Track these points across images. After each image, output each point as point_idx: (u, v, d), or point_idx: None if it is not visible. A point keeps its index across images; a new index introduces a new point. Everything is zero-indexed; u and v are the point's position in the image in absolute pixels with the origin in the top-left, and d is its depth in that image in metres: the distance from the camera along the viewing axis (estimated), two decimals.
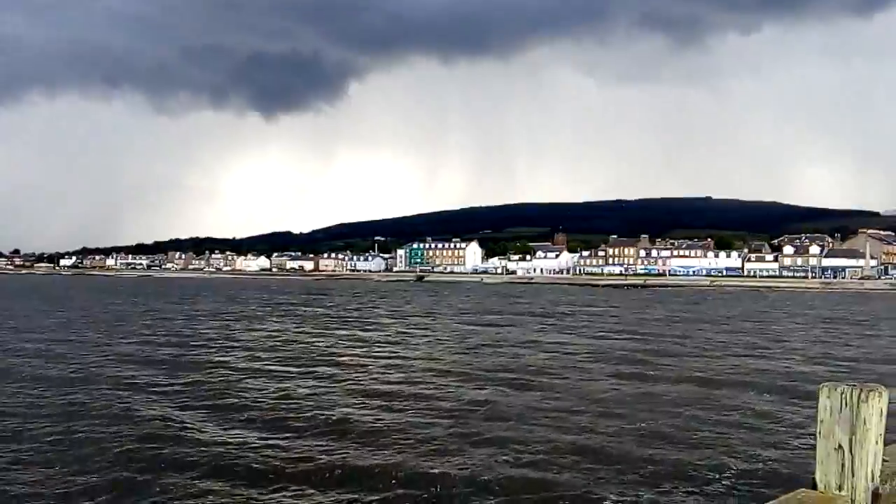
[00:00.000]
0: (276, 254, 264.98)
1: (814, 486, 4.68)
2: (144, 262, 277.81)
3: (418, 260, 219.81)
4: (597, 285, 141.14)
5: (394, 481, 11.28)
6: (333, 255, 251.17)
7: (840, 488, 4.53)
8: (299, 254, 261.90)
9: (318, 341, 32.00)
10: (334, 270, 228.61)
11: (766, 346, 31.56)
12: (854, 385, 4.60)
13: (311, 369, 23.02)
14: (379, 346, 30.18)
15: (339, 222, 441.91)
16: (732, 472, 11.77)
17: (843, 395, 4.59)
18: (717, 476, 11.56)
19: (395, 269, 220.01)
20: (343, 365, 24.21)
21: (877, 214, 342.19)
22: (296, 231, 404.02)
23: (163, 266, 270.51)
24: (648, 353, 27.60)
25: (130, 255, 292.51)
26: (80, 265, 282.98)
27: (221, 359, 25.62)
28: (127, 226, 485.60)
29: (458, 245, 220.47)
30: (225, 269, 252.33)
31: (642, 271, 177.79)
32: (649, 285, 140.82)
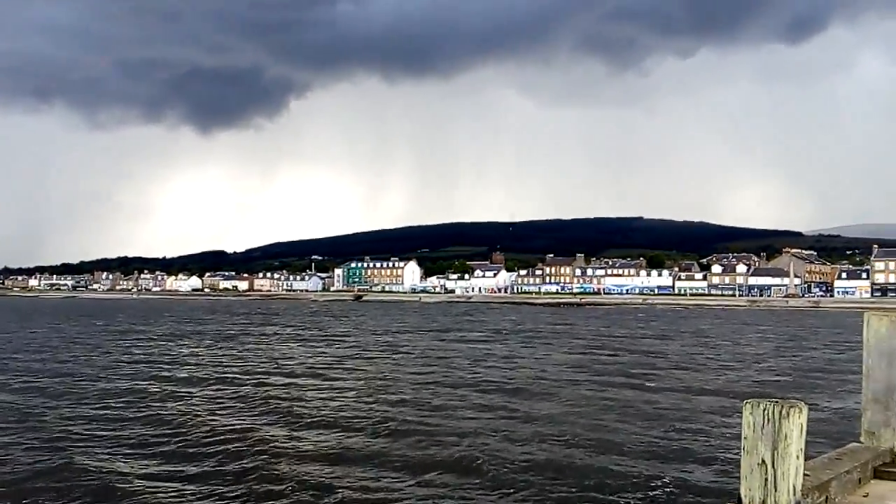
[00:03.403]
0: (208, 274, 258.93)
1: (739, 502, 4.82)
2: (69, 283, 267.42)
3: (356, 279, 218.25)
4: (534, 304, 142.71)
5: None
6: (269, 274, 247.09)
7: (764, 502, 4.67)
8: (233, 273, 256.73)
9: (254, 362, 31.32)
10: (269, 290, 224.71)
11: (721, 359, 32.69)
12: (776, 401, 4.76)
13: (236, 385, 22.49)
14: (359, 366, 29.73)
15: (275, 241, 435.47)
16: (671, 483, 11.95)
17: (766, 412, 4.73)
18: (655, 487, 11.72)
19: (332, 288, 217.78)
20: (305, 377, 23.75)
21: (800, 234, 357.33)
22: (230, 250, 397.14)
23: (89, 287, 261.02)
24: (609, 368, 28.02)
25: (55, 276, 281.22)
26: (0, 286, 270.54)
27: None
28: (52, 244, 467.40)
29: (396, 264, 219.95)
30: (155, 289, 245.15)
31: (578, 290, 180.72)
32: (585, 303, 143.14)
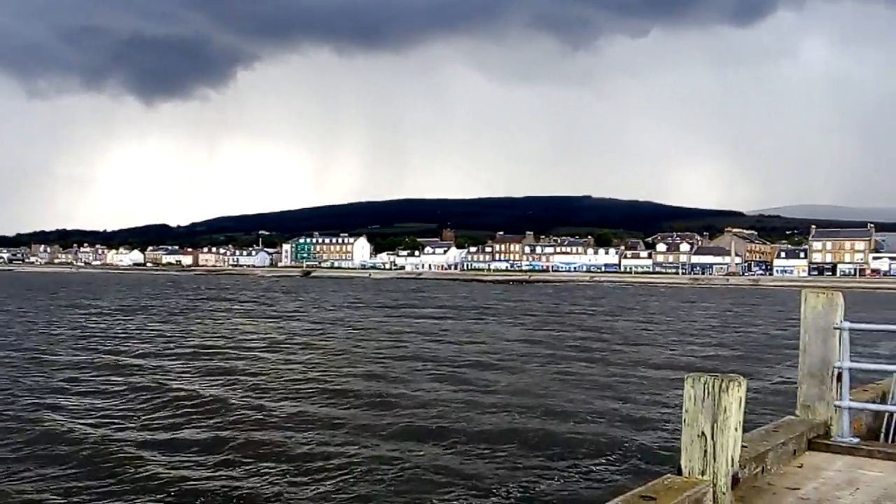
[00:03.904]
0: (151, 248, 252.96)
1: (679, 472, 4.93)
2: (5, 256, 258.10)
3: (305, 255, 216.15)
4: (484, 280, 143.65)
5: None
6: (214, 249, 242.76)
7: (703, 473, 4.77)
8: (177, 248, 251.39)
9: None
10: (215, 265, 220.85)
11: (667, 335, 33.34)
12: (716, 375, 4.86)
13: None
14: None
15: (221, 215, 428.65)
16: (617, 455, 12.18)
17: (706, 385, 4.83)
18: (600, 459, 11.95)
19: (280, 264, 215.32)
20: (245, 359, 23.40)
21: (742, 214, 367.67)
22: (174, 224, 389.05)
23: (25, 260, 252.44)
24: (560, 344, 28.37)
25: None
26: None
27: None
28: None
29: (346, 240, 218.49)
30: (95, 263, 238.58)
31: (527, 267, 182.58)
32: (534, 281, 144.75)
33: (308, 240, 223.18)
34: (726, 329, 39.31)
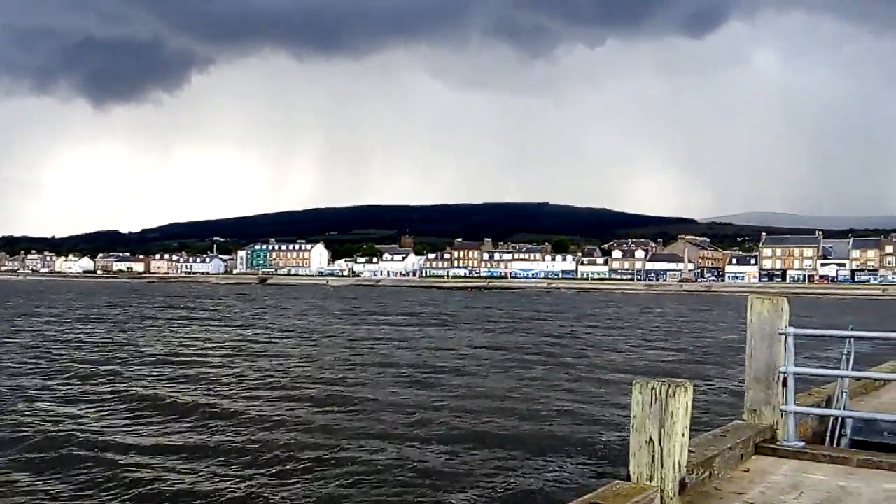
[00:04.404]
0: (101, 254, 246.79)
1: (628, 478, 4.93)
2: None
3: (261, 262, 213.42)
4: (442, 287, 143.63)
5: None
6: (167, 256, 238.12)
7: (651, 479, 4.77)
8: (128, 255, 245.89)
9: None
10: (167, 273, 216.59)
11: (623, 340, 33.75)
12: (663, 381, 4.87)
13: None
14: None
15: (173, 221, 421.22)
16: (570, 461, 12.21)
17: (654, 391, 4.83)
18: (550, 464, 11.97)
19: (235, 271, 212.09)
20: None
21: (695, 221, 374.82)
22: (125, 230, 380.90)
23: None
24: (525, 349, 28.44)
25: None
26: None
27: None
28: None
29: (303, 247, 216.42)
30: (43, 270, 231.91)
31: (486, 274, 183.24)
32: (492, 287, 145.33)
33: (264, 246, 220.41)
34: (681, 334, 39.94)
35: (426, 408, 16.51)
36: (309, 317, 52.32)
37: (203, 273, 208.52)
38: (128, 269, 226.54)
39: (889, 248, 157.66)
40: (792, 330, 6.44)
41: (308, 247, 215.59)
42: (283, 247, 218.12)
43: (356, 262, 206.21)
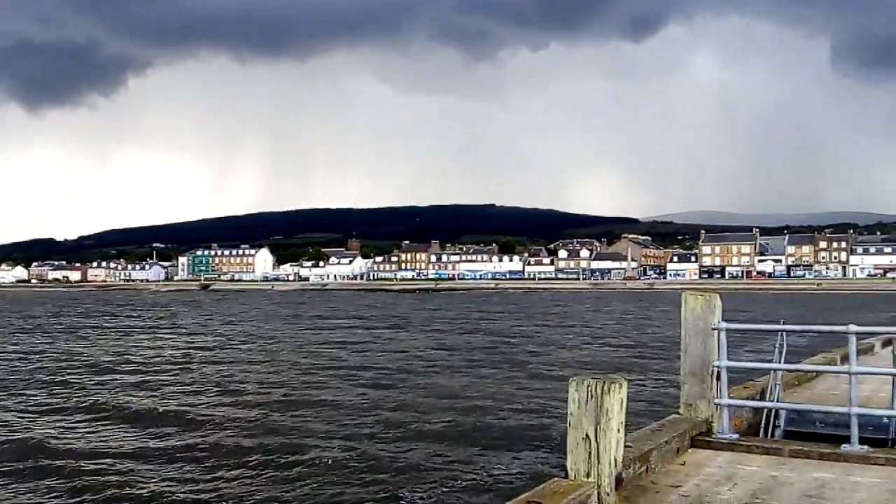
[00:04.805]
0: (36, 263, 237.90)
1: (566, 475, 4.94)
2: None
3: (203, 268, 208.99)
4: (390, 290, 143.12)
5: None
6: (104, 263, 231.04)
7: (588, 475, 4.79)
8: (64, 263, 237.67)
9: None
10: (105, 281, 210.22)
11: (570, 338, 34.28)
12: (598, 378, 4.91)
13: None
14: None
15: (111, 228, 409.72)
16: (515, 458, 12.25)
17: (590, 388, 4.86)
18: (494, 463, 11.99)
19: (176, 277, 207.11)
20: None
21: (637, 221, 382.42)
22: (60, 238, 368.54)
23: None
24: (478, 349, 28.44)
25: None
26: None
27: None
28: None
29: (247, 252, 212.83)
30: None
31: (434, 276, 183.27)
32: (440, 289, 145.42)
33: (206, 252, 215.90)
34: (626, 330, 40.62)
35: (377, 408, 16.59)
36: (256, 322, 51.48)
37: (143, 280, 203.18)
38: (64, 277, 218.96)
39: (823, 244, 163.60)
40: (724, 325, 6.58)
41: (252, 251, 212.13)
42: (226, 252, 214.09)
43: (302, 267, 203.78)
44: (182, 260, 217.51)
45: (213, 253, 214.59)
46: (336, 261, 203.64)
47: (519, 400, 17.47)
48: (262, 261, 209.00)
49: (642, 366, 23.78)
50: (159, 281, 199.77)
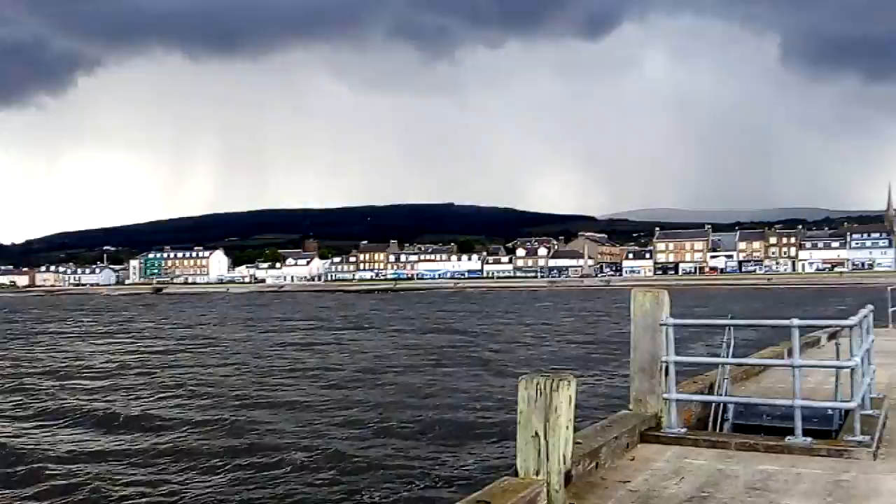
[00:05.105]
0: None
1: (516, 473, 4.94)
2: None
3: (156, 271, 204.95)
4: (348, 291, 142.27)
5: None
6: (53, 267, 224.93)
7: (538, 473, 4.80)
8: (10, 267, 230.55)
9: None
10: (54, 285, 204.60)
11: (529, 336, 34.57)
12: (548, 376, 4.91)
13: None
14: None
15: (60, 231, 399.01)
16: (471, 457, 12.28)
17: (539, 386, 4.86)
18: (449, 462, 12.00)
19: (128, 281, 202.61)
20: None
21: (594, 219, 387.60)
22: (7, 241, 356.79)
23: None
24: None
25: None
26: None
27: None
28: None
29: (201, 254, 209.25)
30: None
31: (392, 276, 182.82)
32: (399, 289, 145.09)
33: (159, 255, 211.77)
34: (583, 327, 41.11)
35: (340, 408, 16.63)
36: (214, 325, 50.67)
37: (93, 285, 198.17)
38: (10, 282, 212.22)
39: (773, 240, 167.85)
40: (672, 321, 6.66)
41: (206, 254, 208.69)
42: (180, 254, 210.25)
43: (258, 269, 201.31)
44: (134, 263, 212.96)
45: (165, 255, 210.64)
46: (293, 262, 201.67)
47: (480, 397, 17.59)
48: (217, 263, 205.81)
49: (598, 361, 24.12)
50: (110, 285, 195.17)
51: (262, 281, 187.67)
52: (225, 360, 27.75)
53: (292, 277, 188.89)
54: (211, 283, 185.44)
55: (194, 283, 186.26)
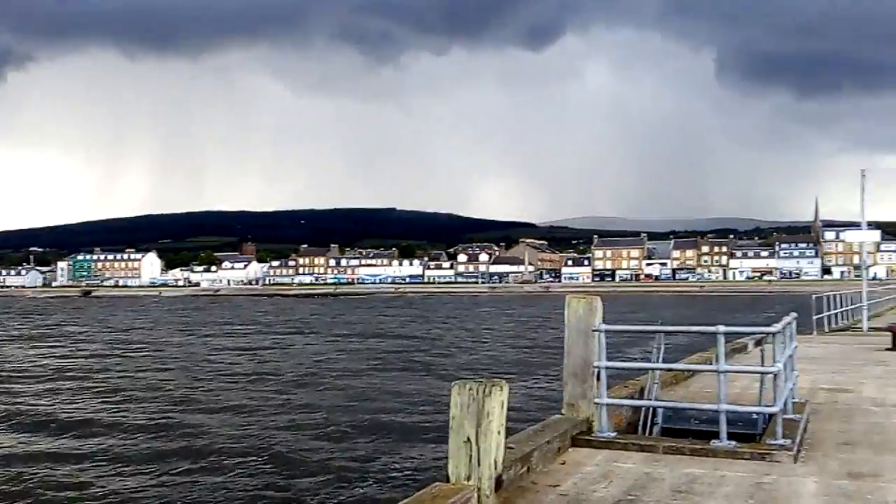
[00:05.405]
0: None
1: (447, 479, 4.93)
2: None
3: (84, 273, 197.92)
4: (287, 295, 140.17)
5: None
6: None
7: (469, 478, 4.80)
8: None
9: None
10: None
11: (469, 341, 34.52)
12: (480, 381, 4.93)
13: None
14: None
15: None
16: (401, 464, 12.24)
17: (471, 391, 4.88)
18: (379, 469, 11.95)
19: (55, 283, 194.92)
20: None
21: (534, 226, 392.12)
22: None
23: None
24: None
25: None
26: None
27: None
28: None
29: (133, 256, 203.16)
30: None
31: (333, 280, 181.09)
32: (339, 294, 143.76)
33: (88, 256, 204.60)
34: (523, 332, 41.47)
35: (280, 412, 16.57)
36: (147, 329, 49.20)
37: (18, 287, 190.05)
38: None
39: (705, 248, 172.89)
40: (604, 327, 6.77)
41: (138, 256, 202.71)
42: (111, 256, 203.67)
43: (192, 272, 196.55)
44: (62, 265, 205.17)
45: (95, 257, 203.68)
46: (230, 265, 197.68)
47: (420, 401, 17.69)
48: (150, 265, 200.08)
49: (537, 366, 24.41)
50: (37, 287, 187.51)
51: (197, 285, 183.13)
52: (163, 364, 27.15)
53: (228, 281, 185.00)
54: (143, 287, 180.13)
55: (125, 287, 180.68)
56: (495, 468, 4.79)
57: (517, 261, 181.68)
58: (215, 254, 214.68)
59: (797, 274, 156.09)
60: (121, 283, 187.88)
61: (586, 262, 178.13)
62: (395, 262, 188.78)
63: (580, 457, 6.10)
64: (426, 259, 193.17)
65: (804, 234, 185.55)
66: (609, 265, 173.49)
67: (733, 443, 6.23)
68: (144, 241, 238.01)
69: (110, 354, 31.58)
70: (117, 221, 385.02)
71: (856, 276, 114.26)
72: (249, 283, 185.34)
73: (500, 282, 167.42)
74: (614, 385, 8.14)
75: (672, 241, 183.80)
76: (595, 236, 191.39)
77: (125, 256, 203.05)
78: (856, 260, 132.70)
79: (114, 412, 17.14)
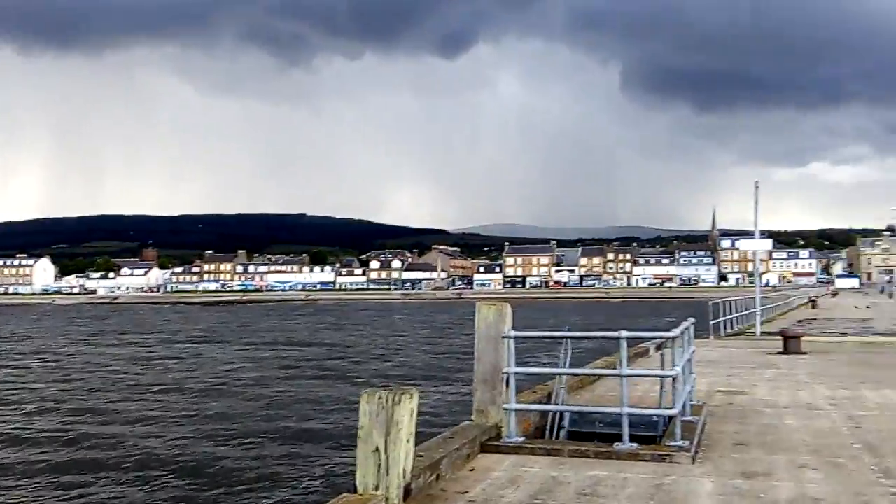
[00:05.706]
0: None
1: (355, 489, 4.86)
2: None
3: None
4: (191, 303, 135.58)
5: None
6: None
7: (377, 488, 4.76)
8: None
9: None
10: None
11: (379, 349, 34.06)
12: (390, 390, 4.90)
13: None
14: None
15: None
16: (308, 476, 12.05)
17: (381, 400, 4.84)
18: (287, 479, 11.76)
19: None
20: None
21: (447, 232, 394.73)
22: None
23: None
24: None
25: None
26: None
27: None
28: None
29: (24, 262, 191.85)
30: None
31: (240, 287, 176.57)
32: (247, 301, 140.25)
33: None
34: (435, 339, 41.64)
35: (189, 421, 16.27)
36: (40, 339, 46.57)
37: None
38: None
39: (611, 256, 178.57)
40: (513, 333, 6.86)
41: (30, 262, 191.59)
42: (0, 262, 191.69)
43: (89, 278, 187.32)
44: None
45: None
46: (129, 272, 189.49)
47: (332, 409, 17.55)
48: (43, 272, 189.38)
49: (450, 372, 24.52)
50: None
51: (94, 292, 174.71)
52: (64, 375, 25.94)
53: (128, 288, 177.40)
54: (35, 294, 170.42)
55: (15, 294, 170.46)
56: (404, 477, 4.76)
57: (430, 267, 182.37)
58: (114, 260, 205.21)
59: (696, 280, 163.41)
60: (10, 290, 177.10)
61: (498, 269, 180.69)
62: (306, 269, 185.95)
63: (489, 462, 6.15)
64: (338, 266, 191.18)
65: (702, 242, 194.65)
66: (520, 272, 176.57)
67: (635, 445, 6.42)
68: (38, 246, 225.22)
69: (4, 366, 29.85)
70: (8, 225, 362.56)
71: (750, 282, 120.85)
72: (150, 290, 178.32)
73: (413, 289, 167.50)
74: (524, 390, 8.26)
75: (580, 249, 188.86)
76: (506, 243, 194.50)
77: (16, 262, 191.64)
78: (750, 267, 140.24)
79: (14, 426, 16.38)
